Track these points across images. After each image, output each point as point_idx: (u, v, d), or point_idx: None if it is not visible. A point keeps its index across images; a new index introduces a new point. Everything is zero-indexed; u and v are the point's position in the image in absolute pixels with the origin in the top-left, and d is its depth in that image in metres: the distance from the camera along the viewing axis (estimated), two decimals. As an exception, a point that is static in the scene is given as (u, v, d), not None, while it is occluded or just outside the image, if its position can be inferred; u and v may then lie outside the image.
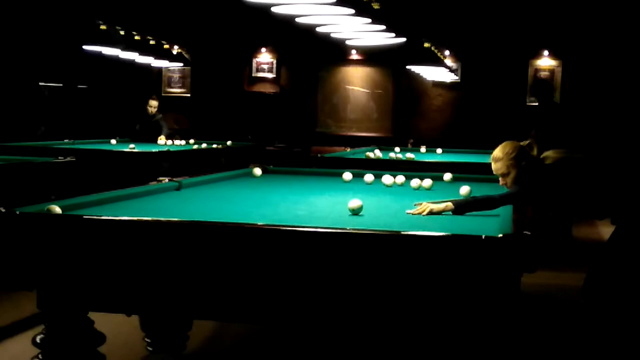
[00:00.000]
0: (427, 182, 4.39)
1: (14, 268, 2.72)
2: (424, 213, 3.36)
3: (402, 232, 2.55)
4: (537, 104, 8.23)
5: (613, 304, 3.78)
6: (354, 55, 12.88)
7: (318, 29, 5.66)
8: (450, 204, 3.41)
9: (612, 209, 3.79)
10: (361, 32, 5.92)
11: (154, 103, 9.66)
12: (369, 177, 4.70)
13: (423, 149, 8.64)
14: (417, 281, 2.46)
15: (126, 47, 8.92)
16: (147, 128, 9.56)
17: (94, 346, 2.87)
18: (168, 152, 7.57)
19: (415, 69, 10.32)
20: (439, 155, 8.32)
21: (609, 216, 3.86)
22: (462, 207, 3.41)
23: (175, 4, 12.42)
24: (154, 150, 7.44)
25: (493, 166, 3.74)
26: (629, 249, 3.71)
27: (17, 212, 2.72)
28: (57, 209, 2.82)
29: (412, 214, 3.36)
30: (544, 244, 7.49)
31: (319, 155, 6.98)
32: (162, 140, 8.94)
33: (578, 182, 3.73)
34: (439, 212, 3.37)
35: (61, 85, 12.41)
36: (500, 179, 3.75)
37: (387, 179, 4.54)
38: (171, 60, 10.55)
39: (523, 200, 3.53)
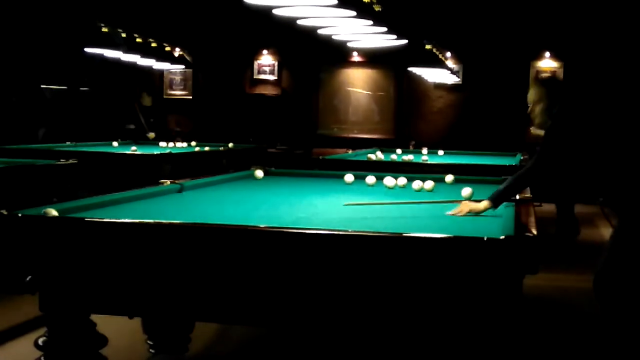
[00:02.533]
0: (429, 184, 4.39)
1: (16, 271, 2.73)
2: (462, 213, 3.37)
3: (404, 234, 2.55)
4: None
5: (621, 298, 3.72)
6: (356, 57, 12.89)
7: (319, 31, 5.66)
8: (487, 202, 3.43)
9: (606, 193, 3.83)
10: (363, 34, 5.92)
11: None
12: (370, 179, 4.70)
13: (425, 151, 8.64)
14: (419, 283, 2.46)
15: (128, 50, 8.93)
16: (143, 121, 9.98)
17: (96, 349, 2.87)
18: (170, 154, 7.57)
19: (416, 70, 10.33)
20: (440, 156, 8.32)
21: (600, 198, 3.90)
22: (499, 200, 3.45)
23: (177, 7, 12.44)
24: (155, 152, 7.45)
25: (529, 93, 3.95)
26: (632, 242, 3.67)
27: (19, 215, 2.72)
28: (54, 212, 2.82)
29: (451, 215, 3.38)
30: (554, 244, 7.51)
31: (320, 157, 6.98)
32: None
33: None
34: (479, 212, 3.39)
35: (64, 87, 12.43)
36: (530, 106, 3.91)
37: (388, 180, 4.54)
38: (173, 63, 10.56)
39: (541, 170, 3.62)
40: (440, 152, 8.65)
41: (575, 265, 7.00)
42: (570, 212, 8.00)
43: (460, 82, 12.50)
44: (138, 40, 9.16)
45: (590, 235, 8.71)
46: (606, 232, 8.44)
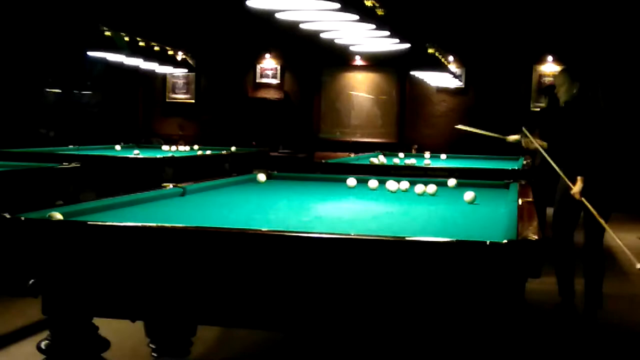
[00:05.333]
0: (432, 188, 4.39)
1: (19, 274, 2.73)
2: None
3: (407, 238, 2.55)
4: (543, 105, 8.27)
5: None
6: (358, 61, 12.91)
7: (322, 35, 5.67)
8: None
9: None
10: (365, 38, 5.93)
11: None
12: (373, 183, 4.70)
13: (427, 155, 8.63)
14: (421, 287, 2.46)
15: (131, 53, 8.95)
16: None
17: (98, 352, 2.87)
18: (172, 158, 7.58)
19: (419, 74, 10.33)
20: (443, 160, 8.31)
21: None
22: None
23: (180, 10, 12.46)
24: (158, 156, 7.45)
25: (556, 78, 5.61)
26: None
27: (22, 218, 2.73)
28: (59, 216, 2.83)
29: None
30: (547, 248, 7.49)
31: (323, 161, 6.98)
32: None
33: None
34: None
35: (59, 91, 12.45)
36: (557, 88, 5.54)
37: (391, 184, 4.54)
38: (175, 66, 10.58)
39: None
40: (443, 156, 8.64)
41: (577, 270, 6.99)
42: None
43: (463, 86, 12.50)
44: (141, 43, 9.18)
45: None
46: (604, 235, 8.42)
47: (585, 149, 5.10)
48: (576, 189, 5.09)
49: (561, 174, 5.28)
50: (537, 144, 5.83)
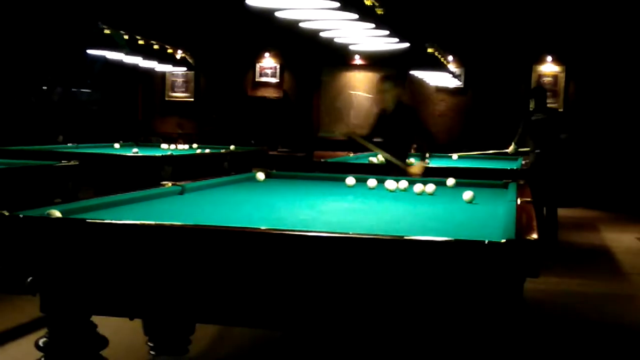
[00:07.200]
0: (430, 187, 4.39)
1: (17, 272, 2.73)
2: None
3: (405, 237, 2.55)
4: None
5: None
6: (358, 60, 12.90)
7: (321, 34, 5.67)
8: None
9: None
10: (365, 37, 5.93)
11: None
12: (372, 182, 4.70)
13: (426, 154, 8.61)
14: (420, 286, 2.46)
15: (130, 52, 8.95)
16: None
17: (96, 350, 2.87)
18: (171, 156, 7.57)
19: (418, 74, 10.32)
20: (441, 160, 8.30)
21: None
22: None
23: (180, 9, 12.46)
24: (157, 154, 7.45)
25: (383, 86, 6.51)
26: None
27: (21, 216, 2.73)
28: (57, 213, 2.83)
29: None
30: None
31: (322, 160, 6.98)
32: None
33: None
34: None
35: (63, 89, 12.45)
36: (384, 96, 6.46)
37: (390, 183, 4.54)
38: (175, 65, 10.57)
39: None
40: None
41: (576, 270, 7.00)
42: (553, 214, 8.00)
43: (462, 86, 12.50)
44: (140, 42, 9.18)
45: (589, 239, 8.70)
46: (603, 236, 8.44)
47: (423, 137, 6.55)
48: (413, 170, 6.19)
49: (394, 160, 6.16)
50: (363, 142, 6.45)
